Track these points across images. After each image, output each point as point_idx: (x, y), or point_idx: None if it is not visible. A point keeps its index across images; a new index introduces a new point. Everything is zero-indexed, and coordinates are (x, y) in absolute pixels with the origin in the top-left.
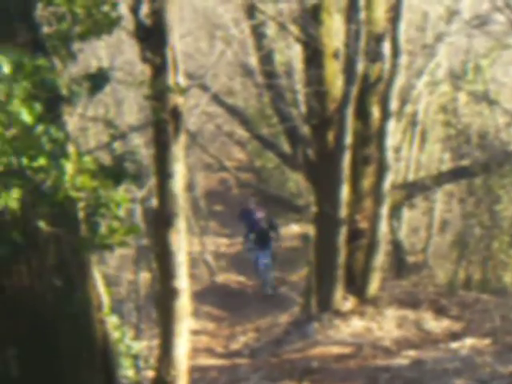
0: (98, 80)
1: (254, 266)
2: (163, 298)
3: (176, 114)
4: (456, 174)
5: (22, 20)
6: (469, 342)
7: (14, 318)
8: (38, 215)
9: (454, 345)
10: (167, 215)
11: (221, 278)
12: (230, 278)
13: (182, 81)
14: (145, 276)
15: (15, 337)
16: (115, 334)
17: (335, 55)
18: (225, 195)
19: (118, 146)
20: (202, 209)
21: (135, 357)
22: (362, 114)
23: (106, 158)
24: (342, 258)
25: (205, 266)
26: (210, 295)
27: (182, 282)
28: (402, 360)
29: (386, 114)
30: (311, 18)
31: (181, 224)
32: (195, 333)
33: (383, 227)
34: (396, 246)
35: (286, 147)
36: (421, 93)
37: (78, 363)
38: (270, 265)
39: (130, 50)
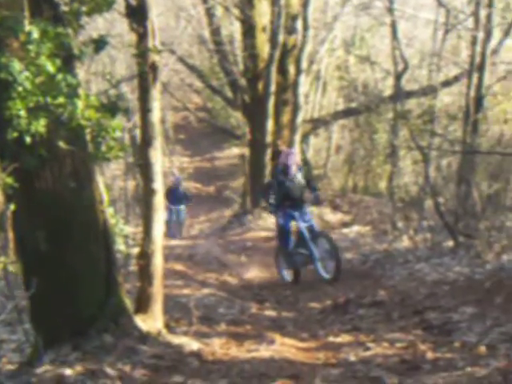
0: (99, 43)
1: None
2: (145, 196)
3: (154, 68)
4: (347, 113)
5: (47, 1)
6: (355, 228)
7: (42, 209)
8: (58, 137)
9: (345, 230)
10: (148, 138)
11: (183, 185)
12: (190, 185)
13: (158, 45)
14: (131, 183)
15: (43, 223)
16: (112, 221)
17: (263, 29)
18: (187, 127)
19: (112, 91)
20: (171, 137)
21: (126, 236)
22: (282, 70)
23: (104, 99)
24: (267, 170)
25: (172, 176)
26: None
27: (158, 185)
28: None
29: (298, 71)
30: (247, 3)
31: (157, 144)
32: (166, 222)
33: (296, 149)
34: (305, 163)
35: (229, 94)
36: (323, 56)
37: (88, 240)
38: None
39: (120, 25)
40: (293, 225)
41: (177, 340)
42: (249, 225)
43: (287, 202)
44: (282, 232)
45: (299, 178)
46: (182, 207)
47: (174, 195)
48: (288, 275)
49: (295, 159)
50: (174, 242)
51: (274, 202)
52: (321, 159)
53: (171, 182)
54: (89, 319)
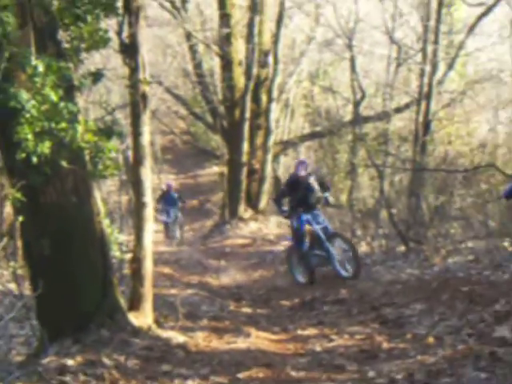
0: (96, 76)
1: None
2: (137, 209)
3: (144, 97)
4: (312, 135)
5: (51, 39)
6: None
7: (46, 220)
8: (61, 157)
9: None
10: (139, 158)
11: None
12: None
13: (147, 77)
14: (124, 198)
15: (47, 232)
16: (108, 230)
17: (239, 64)
18: (173, 149)
19: (108, 117)
20: (159, 157)
21: (120, 244)
22: (256, 99)
23: (101, 124)
24: (243, 186)
25: (160, 192)
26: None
27: (148, 199)
28: (280, 247)
29: (270, 99)
30: (225, 41)
31: (147, 163)
32: (155, 231)
33: (268, 168)
34: (276, 179)
35: (209, 119)
36: (291, 87)
37: (87, 247)
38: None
39: (115, 60)
40: (307, 227)
41: (165, 334)
42: (227, 233)
43: (302, 206)
44: (297, 234)
45: (313, 183)
46: (177, 208)
47: (167, 198)
48: (301, 276)
49: (305, 168)
50: (161, 249)
51: (288, 207)
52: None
53: (164, 186)
54: (88, 316)
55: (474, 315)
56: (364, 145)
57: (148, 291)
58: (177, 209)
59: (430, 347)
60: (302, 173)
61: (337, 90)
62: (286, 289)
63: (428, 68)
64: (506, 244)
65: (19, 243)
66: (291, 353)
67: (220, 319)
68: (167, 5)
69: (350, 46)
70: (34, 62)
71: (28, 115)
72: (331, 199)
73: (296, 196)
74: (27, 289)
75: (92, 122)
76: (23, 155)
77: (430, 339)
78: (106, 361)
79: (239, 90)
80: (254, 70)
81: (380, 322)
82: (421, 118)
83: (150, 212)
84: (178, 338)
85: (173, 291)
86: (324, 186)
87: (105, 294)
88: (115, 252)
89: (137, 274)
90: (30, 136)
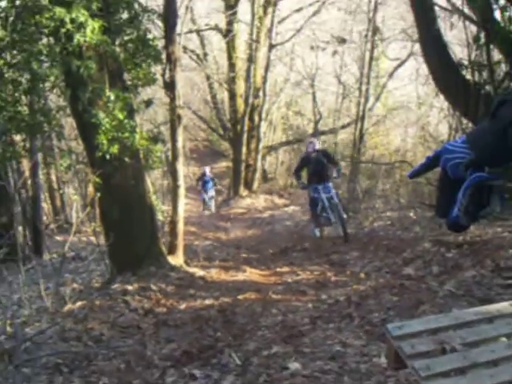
0: (148, 103)
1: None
2: (174, 189)
3: (179, 117)
4: (287, 143)
5: (119, 78)
6: (291, 207)
7: (115, 196)
8: (125, 155)
9: (286, 209)
10: (175, 156)
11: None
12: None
13: (181, 104)
14: (165, 182)
15: (116, 203)
16: (155, 202)
17: (241, 96)
18: (197, 150)
19: (155, 130)
20: (188, 156)
21: (162, 212)
22: (251, 119)
23: (151, 134)
24: (242, 175)
25: (189, 178)
26: (192, 190)
27: (181, 183)
28: (266, 214)
29: (260, 119)
30: (231, 80)
31: (181, 159)
32: (186, 204)
33: (259, 163)
34: (264, 171)
35: (221, 131)
36: (274, 111)
37: (141, 213)
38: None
39: (160, 92)
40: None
41: (191, 270)
42: (232, 205)
43: (314, 178)
44: (312, 200)
45: (322, 159)
46: (210, 189)
47: (203, 181)
48: (317, 232)
49: (314, 146)
50: (191, 215)
51: (305, 180)
52: (272, 169)
53: (201, 173)
54: (141, 258)
55: (390, 259)
56: None
57: (180, 242)
58: (212, 189)
59: (362, 280)
60: (311, 150)
61: (303, 113)
62: (269, 241)
63: (362, 100)
64: (411, 214)
65: (98, 211)
66: (272, 283)
67: (226, 261)
68: (194, 57)
69: (312, 85)
70: (107, 93)
71: (103, 128)
72: (341, 172)
73: (309, 169)
74: (102, 240)
75: (145, 133)
76: (100, 154)
77: (362, 275)
78: (153, 287)
79: (240, 113)
80: (250, 100)
81: (330, 264)
82: (357, 132)
83: (182, 191)
84: (199, 272)
85: (196, 242)
86: (333, 161)
87: (152, 243)
88: (159, 217)
89: (173, 231)
90: (104, 141)
